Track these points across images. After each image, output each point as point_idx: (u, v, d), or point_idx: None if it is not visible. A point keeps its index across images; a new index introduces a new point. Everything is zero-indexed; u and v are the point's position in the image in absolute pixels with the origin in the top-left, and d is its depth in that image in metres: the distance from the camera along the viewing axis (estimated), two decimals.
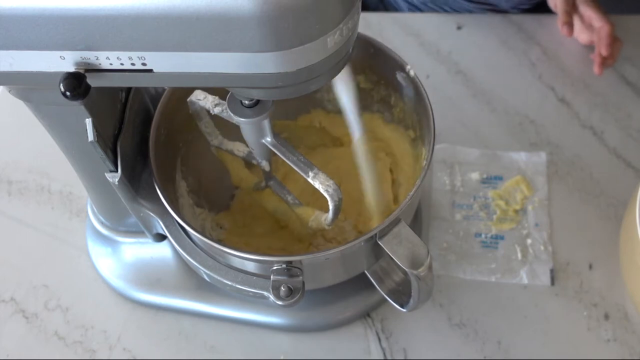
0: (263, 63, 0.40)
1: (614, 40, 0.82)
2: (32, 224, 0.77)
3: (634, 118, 0.82)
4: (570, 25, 0.85)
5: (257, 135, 0.53)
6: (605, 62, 0.83)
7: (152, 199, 0.58)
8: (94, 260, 0.73)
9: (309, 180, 0.52)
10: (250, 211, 0.71)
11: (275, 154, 0.54)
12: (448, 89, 0.86)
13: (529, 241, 0.73)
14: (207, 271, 0.57)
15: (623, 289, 0.69)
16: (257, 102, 0.50)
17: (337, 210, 0.54)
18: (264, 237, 0.69)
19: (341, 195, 0.53)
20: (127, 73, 0.42)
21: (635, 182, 0.75)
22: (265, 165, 0.60)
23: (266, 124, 0.52)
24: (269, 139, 0.53)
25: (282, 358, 0.67)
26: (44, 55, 0.41)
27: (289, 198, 0.64)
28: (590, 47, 0.88)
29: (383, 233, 0.54)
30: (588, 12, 0.85)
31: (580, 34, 0.86)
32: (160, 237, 0.65)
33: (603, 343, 0.66)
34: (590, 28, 0.85)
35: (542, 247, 0.72)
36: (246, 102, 0.50)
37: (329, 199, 0.52)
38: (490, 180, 0.77)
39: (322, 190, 0.52)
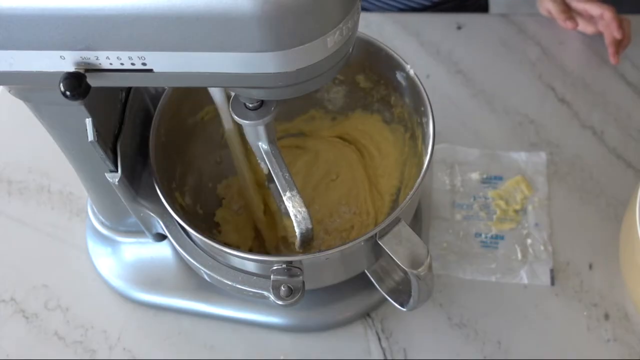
0: (263, 63, 0.40)
1: (622, 20, 0.82)
2: (32, 224, 0.77)
3: (634, 118, 0.82)
4: (571, 19, 0.85)
5: (253, 138, 0.53)
6: (622, 44, 0.83)
7: (152, 199, 0.58)
8: (94, 260, 0.73)
9: (284, 199, 0.52)
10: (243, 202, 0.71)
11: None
12: (448, 89, 0.86)
13: (529, 241, 0.73)
14: (207, 271, 0.57)
15: (623, 289, 0.69)
16: (259, 105, 0.50)
17: (305, 238, 0.54)
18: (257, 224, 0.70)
19: (310, 225, 0.53)
20: (127, 73, 0.42)
21: (635, 182, 0.75)
22: (263, 167, 0.60)
23: (262, 129, 0.52)
24: (263, 145, 0.53)
25: (282, 358, 0.67)
26: (44, 55, 0.41)
27: (282, 206, 0.64)
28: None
29: (383, 233, 0.54)
30: (581, 5, 0.85)
31: (586, 27, 0.86)
32: (160, 237, 0.65)
33: (603, 343, 0.66)
34: (591, 20, 0.85)
35: (542, 247, 0.72)
36: (249, 104, 0.50)
37: (295, 225, 0.53)
38: (490, 180, 0.77)
39: (291, 214, 0.53)
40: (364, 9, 0.99)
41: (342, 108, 0.74)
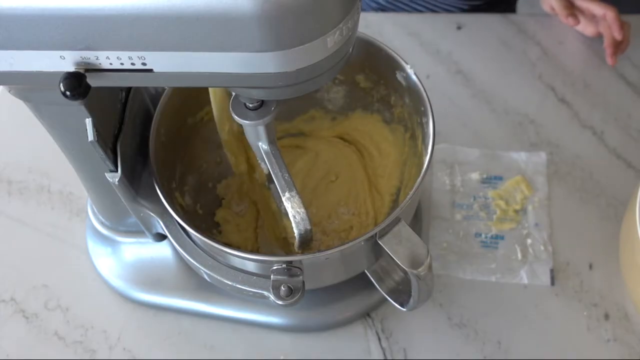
0: (263, 63, 0.40)
1: (623, 23, 0.82)
2: (32, 224, 0.77)
3: (634, 118, 0.82)
4: (573, 16, 0.85)
5: (253, 138, 0.53)
6: (620, 47, 0.83)
7: (152, 199, 0.58)
8: (94, 260, 0.73)
9: (283, 199, 0.52)
10: (244, 202, 0.71)
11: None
12: (448, 89, 0.86)
13: (529, 241, 0.73)
14: (207, 271, 0.57)
15: (623, 289, 0.69)
16: (259, 105, 0.50)
17: (304, 239, 0.54)
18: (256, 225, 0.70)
19: (309, 226, 0.53)
20: (127, 73, 0.42)
21: (635, 182, 0.75)
22: (263, 167, 0.60)
23: (262, 129, 0.52)
24: (263, 146, 0.53)
25: (282, 358, 0.67)
26: (44, 55, 0.41)
27: (282, 207, 0.64)
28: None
29: (383, 232, 0.54)
30: (585, 4, 0.85)
31: (587, 27, 0.87)
32: (160, 237, 0.65)
33: (603, 343, 0.66)
34: (593, 20, 0.86)
35: (542, 247, 0.72)
36: (250, 104, 0.50)
37: (294, 226, 0.53)
38: (490, 180, 0.77)
39: (290, 215, 0.53)
40: (396, 11, 0.99)
41: (342, 108, 0.74)
